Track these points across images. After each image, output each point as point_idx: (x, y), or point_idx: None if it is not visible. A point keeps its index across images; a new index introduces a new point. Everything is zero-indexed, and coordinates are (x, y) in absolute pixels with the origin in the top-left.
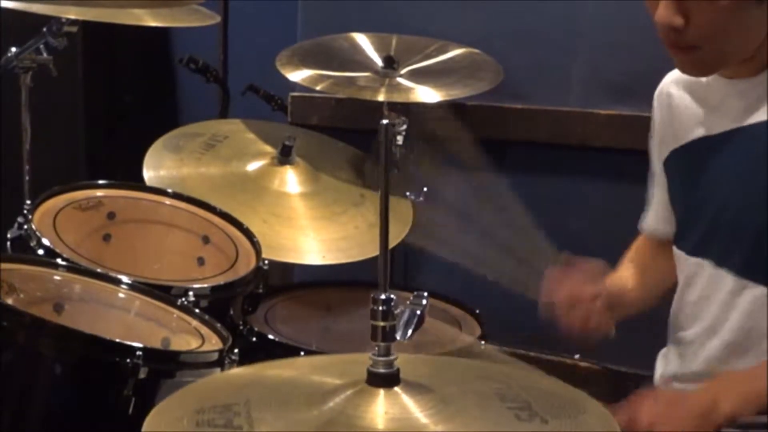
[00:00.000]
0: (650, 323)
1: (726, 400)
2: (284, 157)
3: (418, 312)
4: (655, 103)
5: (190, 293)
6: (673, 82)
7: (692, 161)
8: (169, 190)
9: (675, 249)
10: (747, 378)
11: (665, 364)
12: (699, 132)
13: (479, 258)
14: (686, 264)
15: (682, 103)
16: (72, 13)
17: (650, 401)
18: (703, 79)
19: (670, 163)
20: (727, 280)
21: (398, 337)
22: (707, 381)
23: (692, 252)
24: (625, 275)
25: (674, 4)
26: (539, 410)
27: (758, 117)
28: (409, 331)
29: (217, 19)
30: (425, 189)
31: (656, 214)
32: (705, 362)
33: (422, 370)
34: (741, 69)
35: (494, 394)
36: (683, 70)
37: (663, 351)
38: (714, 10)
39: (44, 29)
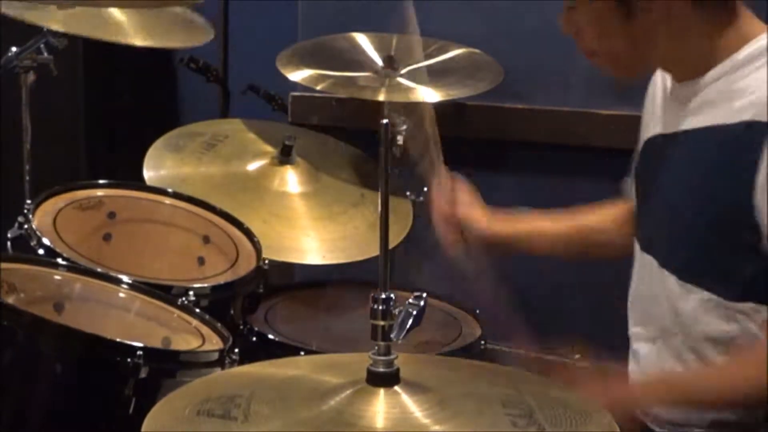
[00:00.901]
0: None
1: (645, 399)
2: (284, 157)
3: (414, 312)
4: (651, 85)
5: (191, 293)
6: (659, 75)
7: (648, 157)
8: (170, 190)
9: (635, 239)
10: (673, 385)
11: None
12: (657, 129)
13: None
14: (640, 257)
15: (656, 99)
16: (58, 25)
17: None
18: (668, 80)
19: (639, 154)
20: (671, 282)
21: (393, 337)
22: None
23: (644, 248)
24: (547, 219)
25: (566, 14)
26: (541, 418)
27: (692, 124)
28: (404, 332)
29: (212, 35)
30: (425, 189)
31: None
32: (658, 362)
33: (431, 372)
34: (678, 73)
35: (498, 399)
36: (603, 73)
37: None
38: (587, 20)
39: (44, 29)
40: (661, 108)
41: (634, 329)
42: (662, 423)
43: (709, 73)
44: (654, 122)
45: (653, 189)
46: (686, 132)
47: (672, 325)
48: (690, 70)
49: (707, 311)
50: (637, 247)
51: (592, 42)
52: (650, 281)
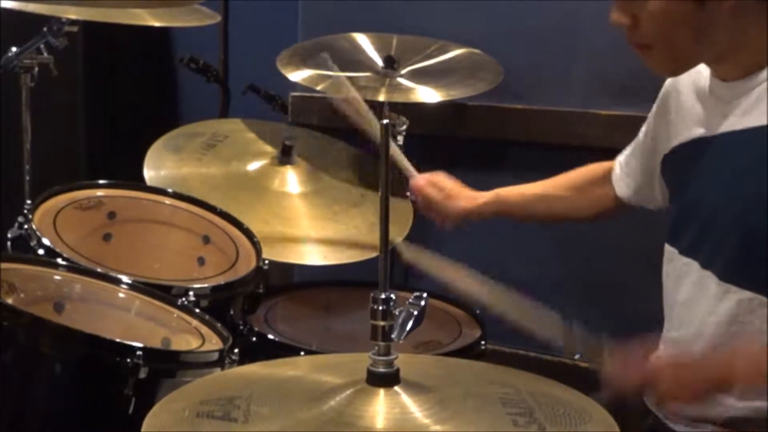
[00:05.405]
0: (650, 326)
1: (741, 369)
2: (284, 157)
3: (415, 313)
4: (670, 88)
5: (191, 293)
6: (684, 77)
7: (690, 160)
8: (170, 190)
9: (668, 247)
10: (762, 352)
11: None
12: (699, 131)
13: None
14: (678, 263)
15: (687, 101)
16: (71, 13)
17: (669, 368)
18: (703, 79)
19: (670, 159)
20: (712, 283)
21: (394, 338)
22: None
23: (683, 251)
24: (534, 185)
25: (622, 5)
26: (541, 417)
27: (746, 122)
28: (405, 332)
29: (217, 18)
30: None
31: (626, 166)
32: None
33: (431, 372)
34: (729, 71)
35: (498, 398)
36: (651, 69)
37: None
38: (651, 11)
39: (44, 29)
40: (692, 111)
41: (670, 334)
42: (677, 419)
43: (762, 72)
44: (685, 126)
45: (695, 192)
46: (733, 132)
47: (710, 327)
48: (741, 67)
49: (750, 311)
50: (671, 252)
51: (651, 34)
52: (690, 285)
